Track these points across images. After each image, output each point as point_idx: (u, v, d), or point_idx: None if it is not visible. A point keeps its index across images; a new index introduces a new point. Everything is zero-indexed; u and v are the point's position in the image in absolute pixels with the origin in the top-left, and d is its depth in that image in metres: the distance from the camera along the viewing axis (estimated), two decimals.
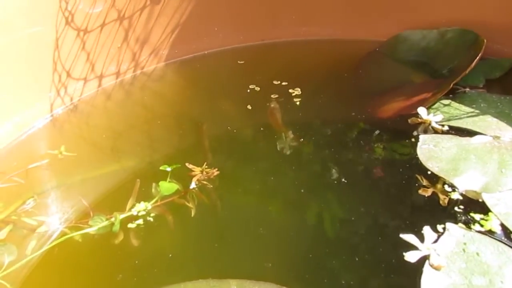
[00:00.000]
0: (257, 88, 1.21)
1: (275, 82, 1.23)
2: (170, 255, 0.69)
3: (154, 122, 1.13)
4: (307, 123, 1.06)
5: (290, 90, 1.17)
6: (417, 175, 0.83)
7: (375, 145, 0.94)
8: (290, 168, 0.91)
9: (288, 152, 0.95)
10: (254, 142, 1.02)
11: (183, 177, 0.83)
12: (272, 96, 1.17)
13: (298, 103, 1.12)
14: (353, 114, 1.03)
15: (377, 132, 0.98)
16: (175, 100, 1.25)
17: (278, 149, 0.96)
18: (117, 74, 1.34)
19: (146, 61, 1.39)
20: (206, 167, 0.85)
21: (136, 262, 0.68)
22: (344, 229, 0.73)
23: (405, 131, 0.98)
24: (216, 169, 0.85)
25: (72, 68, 1.21)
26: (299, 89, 1.17)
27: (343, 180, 0.85)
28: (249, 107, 1.13)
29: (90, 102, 1.24)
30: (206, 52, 1.45)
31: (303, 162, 0.92)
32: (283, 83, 1.22)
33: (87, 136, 1.07)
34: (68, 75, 1.21)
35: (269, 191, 0.85)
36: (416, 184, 0.81)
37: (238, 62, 1.38)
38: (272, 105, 1.13)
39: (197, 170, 0.84)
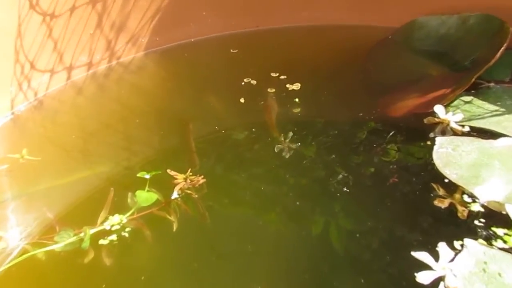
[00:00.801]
0: (253, 82, 1.21)
1: (272, 75, 1.22)
2: (146, 277, 0.69)
3: (132, 121, 1.11)
4: (309, 123, 1.06)
5: (288, 85, 1.17)
6: (432, 184, 0.82)
7: (385, 149, 0.94)
8: (288, 175, 0.90)
9: (286, 156, 0.95)
10: (246, 145, 0.99)
11: (164, 185, 0.84)
12: (269, 90, 1.17)
13: (297, 100, 1.12)
14: (361, 112, 1.03)
15: (387, 133, 0.98)
16: (156, 95, 1.25)
17: (275, 152, 0.96)
18: (89, 65, 1.34)
19: (122, 50, 1.39)
20: (191, 173, 0.85)
21: (105, 286, 0.67)
22: (348, 246, 0.73)
23: (419, 132, 0.98)
24: (202, 176, 0.85)
25: (37, 58, 1.20)
26: (298, 84, 1.17)
27: (348, 188, 0.85)
28: (242, 101, 1.13)
29: (58, 97, 1.23)
30: (192, 40, 1.45)
31: (304, 167, 0.92)
32: (282, 77, 1.22)
33: (54, 137, 1.06)
34: (32, 66, 1.20)
35: (263, 202, 0.85)
36: (431, 194, 0.80)
37: (231, 51, 1.37)
38: (268, 102, 1.14)
39: (180, 177, 0.85)
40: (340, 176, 0.89)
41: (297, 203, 0.83)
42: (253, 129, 1.06)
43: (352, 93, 1.15)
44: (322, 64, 1.28)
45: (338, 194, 0.84)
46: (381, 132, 0.99)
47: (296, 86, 1.17)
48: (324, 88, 1.16)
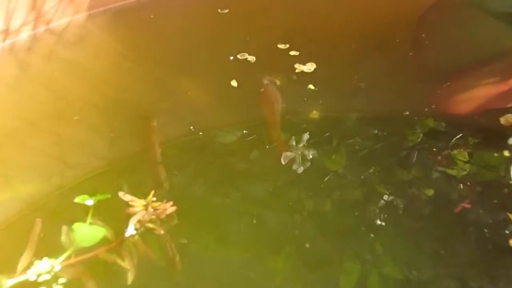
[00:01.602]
0: (250, 58, 1.21)
1: (280, 47, 1.23)
2: None
3: (68, 117, 1.12)
4: (332, 120, 1.05)
5: (297, 66, 1.17)
6: (508, 213, 0.84)
7: (447, 160, 0.94)
8: (302, 198, 0.90)
9: (298, 170, 0.95)
10: (238, 152, 1.02)
11: (115, 215, 0.85)
12: (272, 73, 1.16)
13: (313, 86, 1.12)
14: (410, 107, 1.04)
15: (449, 138, 0.98)
16: (104, 78, 1.24)
17: (281, 164, 0.96)
18: (5, 33, 1.33)
19: (54, 10, 1.37)
20: (155, 198, 0.86)
21: None
22: None
23: (493, 137, 0.99)
24: (172, 202, 0.85)
25: None
26: (313, 64, 1.17)
27: (395, 219, 0.85)
28: (233, 85, 1.13)
29: None
30: None
31: (326, 187, 0.92)
32: (292, 52, 1.22)
33: None
34: None
35: (264, 241, 0.85)
36: (506, 231, 0.82)
37: (218, 11, 1.38)
38: (270, 89, 1.13)
39: (138, 203, 0.85)
40: (382, 200, 0.89)
41: (317, 241, 0.84)
42: (248, 129, 1.05)
43: (396, 78, 1.15)
44: (352, 36, 1.28)
45: (380, 228, 0.85)
46: (440, 136, 1.00)
47: (310, 67, 1.17)
48: (355, 70, 1.16)
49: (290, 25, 1.35)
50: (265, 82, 1.14)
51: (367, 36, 1.27)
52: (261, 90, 1.13)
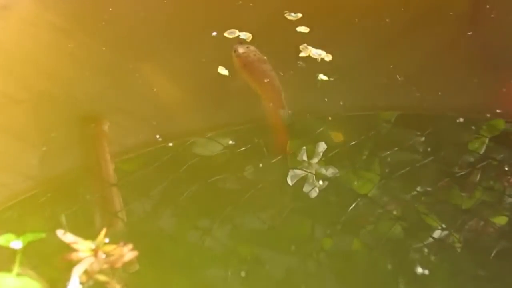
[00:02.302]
0: (244, 35, 1.22)
1: (288, 17, 1.25)
2: None
3: None
4: (356, 123, 1.07)
5: (315, 52, 1.18)
6: None
7: None
8: (309, 237, 0.92)
9: (312, 194, 0.95)
10: (226, 168, 1.03)
11: (52, 263, 0.85)
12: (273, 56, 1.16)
13: (326, 77, 1.13)
14: (464, 104, 1.05)
15: None
16: (33, 63, 1.23)
17: (288, 185, 0.97)
18: None
19: None
20: (107, 240, 0.86)
21: None
22: None
23: None
24: (131, 245, 0.85)
25: None
26: (328, 56, 1.17)
27: (444, 264, 0.85)
28: (221, 74, 1.14)
29: None
30: None
31: (344, 219, 0.92)
32: (301, 29, 1.23)
33: None
34: None
35: None
36: None
37: None
38: (271, 79, 1.12)
39: (84, 247, 0.85)
40: (432, 237, 0.88)
41: None
42: (239, 136, 1.06)
43: (449, 65, 1.17)
44: (386, 5, 1.29)
45: (428, 278, 0.84)
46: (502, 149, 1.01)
47: (323, 54, 1.17)
48: (389, 55, 1.18)
49: None
50: (240, 50, 1.16)
51: (408, 7, 1.29)
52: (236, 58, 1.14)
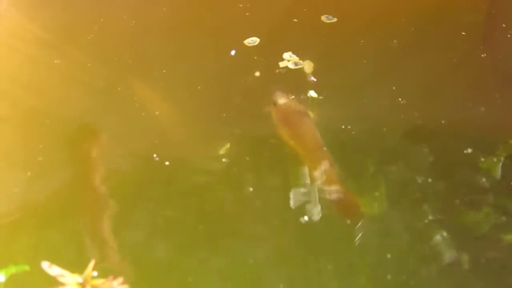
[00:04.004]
0: (249, 41, 1.20)
1: (324, 20, 1.24)
2: None
3: None
4: (361, 137, 1.05)
5: (290, 59, 1.16)
6: None
7: None
8: (313, 266, 0.89)
9: (309, 216, 0.92)
10: (220, 192, 1.00)
11: None
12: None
13: (322, 97, 1.11)
14: (477, 121, 1.05)
15: None
16: (18, 78, 1.21)
17: (283, 210, 0.94)
18: None
19: None
20: (95, 273, 0.83)
21: None
22: None
23: None
24: (121, 278, 0.82)
25: None
26: (310, 63, 1.16)
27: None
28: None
29: None
30: None
31: (350, 244, 0.90)
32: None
33: None
34: None
35: None
36: None
37: None
38: (288, 104, 1.09)
39: (71, 280, 0.82)
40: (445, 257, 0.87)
41: None
42: (240, 153, 1.04)
43: (461, 79, 1.16)
44: (391, 21, 1.28)
45: None
46: None
47: (307, 65, 1.17)
48: (395, 67, 1.17)
49: None
50: (280, 101, 1.10)
51: (415, 25, 1.28)
52: (272, 102, 1.11)
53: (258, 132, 1.09)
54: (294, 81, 1.17)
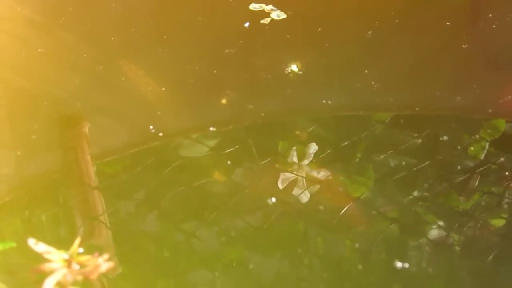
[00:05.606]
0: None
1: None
2: None
3: None
4: (348, 122, 1.07)
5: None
6: None
7: None
8: (300, 240, 0.91)
9: (297, 197, 0.94)
10: (208, 172, 1.01)
11: (22, 273, 0.84)
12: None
13: (301, 72, 1.11)
14: (463, 101, 1.06)
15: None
16: (4, 58, 1.21)
17: (272, 190, 0.95)
18: None
19: None
20: (81, 249, 0.83)
21: None
22: None
23: None
24: (107, 255, 0.82)
25: None
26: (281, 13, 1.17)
27: (441, 265, 0.86)
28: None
29: None
30: None
31: (336, 222, 0.92)
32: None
33: None
34: None
35: None
36: None
37: None
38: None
39: (57, 257, 0.82)
40: (425, 237, 0.88)
41: None
42: (227, 136, 1.05)
43: (446, 59, 1.17)
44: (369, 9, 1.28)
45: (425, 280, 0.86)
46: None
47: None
48: (381, 49, 1.18)
49: None
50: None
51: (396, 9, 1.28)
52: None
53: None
54: None
